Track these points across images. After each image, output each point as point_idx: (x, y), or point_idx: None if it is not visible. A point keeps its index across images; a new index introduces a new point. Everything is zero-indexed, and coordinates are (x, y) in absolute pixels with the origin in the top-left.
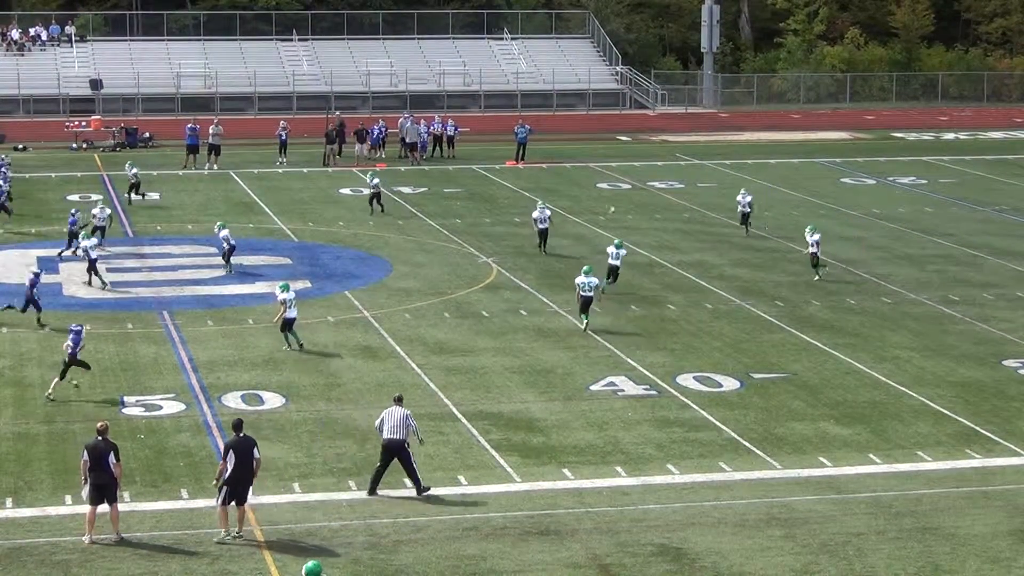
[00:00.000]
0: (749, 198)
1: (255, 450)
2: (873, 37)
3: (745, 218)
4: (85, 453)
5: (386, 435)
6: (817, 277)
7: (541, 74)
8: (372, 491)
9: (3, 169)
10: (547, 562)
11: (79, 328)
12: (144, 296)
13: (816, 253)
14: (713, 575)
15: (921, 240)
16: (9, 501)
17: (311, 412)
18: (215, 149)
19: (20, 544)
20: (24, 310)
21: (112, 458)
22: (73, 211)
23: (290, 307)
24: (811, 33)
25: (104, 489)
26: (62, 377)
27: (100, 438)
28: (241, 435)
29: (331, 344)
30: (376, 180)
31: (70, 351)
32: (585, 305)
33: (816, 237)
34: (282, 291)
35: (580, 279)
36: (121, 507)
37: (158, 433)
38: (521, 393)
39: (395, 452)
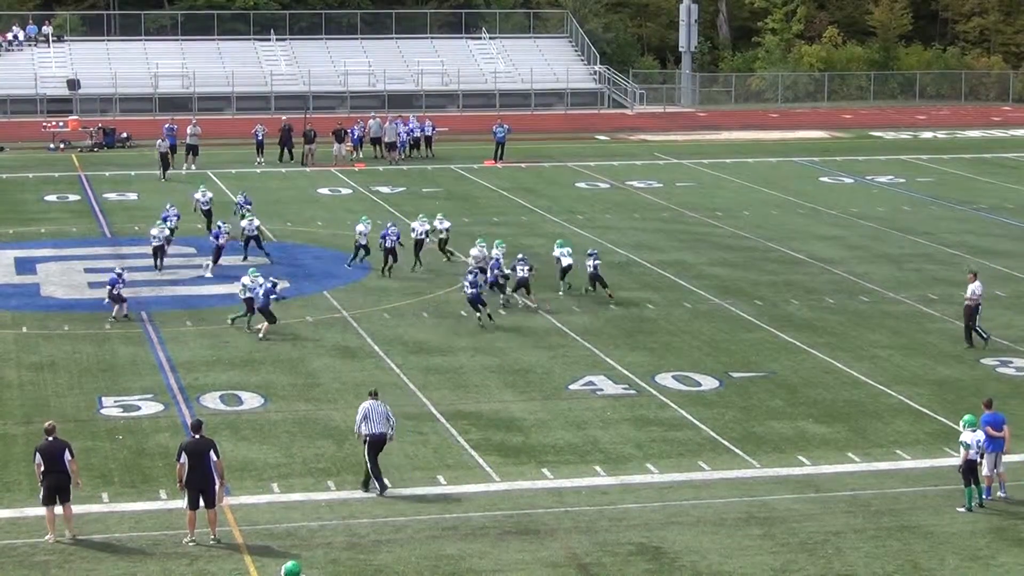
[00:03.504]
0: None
1: (212, 452)
2: (851, 36)
3: (565, 273)
4: (37, 456)
5: (374, 430)
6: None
7: (519, 73)
8: (367, 487)
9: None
10: (526, 562)
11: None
12: (122, 296)
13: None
14: (692, 574)
15: (899, 239)
16: None
17: (290, 412)
18: (193, 149)
19: None
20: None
21: (67, 455)
22: (220, 223)
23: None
24: (789, 32)
25: (59, 489)
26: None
27: (51, 438)
28: (196, 436)
29: (310, 344)
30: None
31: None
32: None
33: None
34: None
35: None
36: (100, 508)
37: (136, 434)
38: (500, 393)
39: (381, 446)
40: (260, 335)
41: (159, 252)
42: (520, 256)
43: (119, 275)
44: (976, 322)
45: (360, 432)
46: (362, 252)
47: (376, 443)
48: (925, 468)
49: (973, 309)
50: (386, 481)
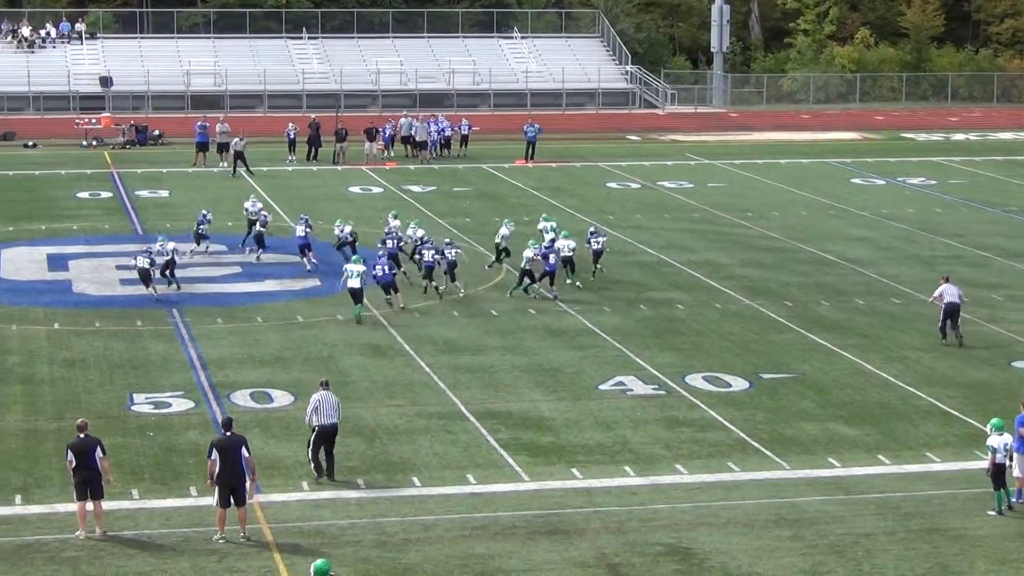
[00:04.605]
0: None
1: (243, 449)
2: (883, 37)
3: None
4: (69, 453)
5: (325, 420)
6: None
7: (551, 73)
8: (331, 475)
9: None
10: (555, 561)
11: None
12: (154, 293)
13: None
14: (721, 575)
15: (931, 241)
16: (18, 498)
17: None
18: (225, 147)
19: (29, 541)
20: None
21: (99, 452)
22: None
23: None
24: (821, 33)
25: (90, 484)
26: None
27: (83, 435)
28: (227, 434)
29: (340, 342)
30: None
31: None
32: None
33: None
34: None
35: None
36: (130, 504)
37: (167, 431)
38: (530, 392)
39: (332, 436)
40: (400, 304)
41: (170, 267)
42: (448, 240)
43: (149, 252)
44: (947, 324)
45: (311, 422)
46: (503, 256)
47: (328, 433)
48: (955, 471)
49: (951, 308)
50: (325, 475)
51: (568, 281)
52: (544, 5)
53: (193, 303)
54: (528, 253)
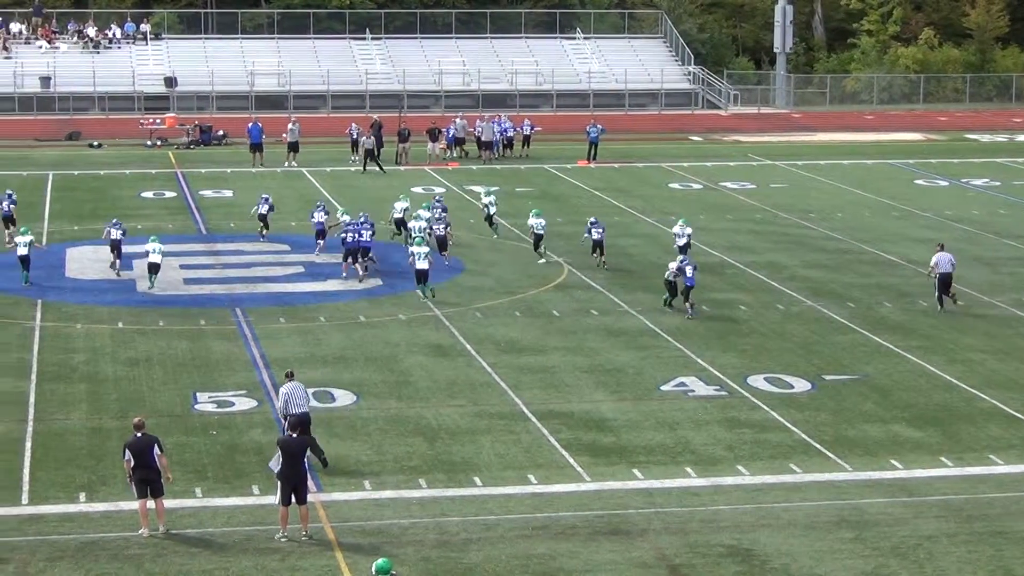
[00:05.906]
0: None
1: (308, 451)
2: (947, 38)
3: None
4: (127, 452)
5: (296, 410)
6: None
7: (613, 74)
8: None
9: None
10: (616, 562)
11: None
12: (217, 293)
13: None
14: None
15: (994, 242)
16: (83, 495)
17: (382, 410)
18: (293, 146)
19: (93, 538)
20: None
21: (156, 450)
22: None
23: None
24: (885, 34)
25: (149, 483)
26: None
27: (140, 434)
28: (292, 435)
29: (402, 342)
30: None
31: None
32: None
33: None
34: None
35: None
36: (194, 503)
37: (230, 429)
38: (591, 393)
39: (307, 424)
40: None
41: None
42: (438, 217)
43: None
44: (947, 290)
45: (284, 412)
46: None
47: (303, 423)
48: (1018, 473)
49: (945, 279)
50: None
51: (541, 260)
52: (607, 6)
53: (256, 302)
54: (673, 265)
